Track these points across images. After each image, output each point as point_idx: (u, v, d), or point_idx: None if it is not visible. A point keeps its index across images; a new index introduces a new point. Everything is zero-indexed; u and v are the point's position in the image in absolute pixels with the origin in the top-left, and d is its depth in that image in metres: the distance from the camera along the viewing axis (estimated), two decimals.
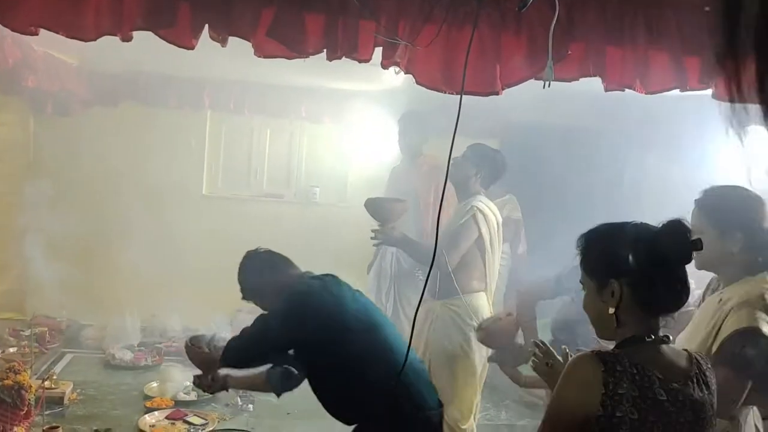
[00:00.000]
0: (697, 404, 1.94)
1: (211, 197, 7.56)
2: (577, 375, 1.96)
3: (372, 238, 4.80)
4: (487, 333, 3.90)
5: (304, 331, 3.06)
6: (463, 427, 4.51)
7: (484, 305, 4.57)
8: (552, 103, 5.16)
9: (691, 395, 1.93)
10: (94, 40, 2.68)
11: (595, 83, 3.12)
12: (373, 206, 4.81)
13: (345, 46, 2.73)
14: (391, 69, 5.41)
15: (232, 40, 2.88)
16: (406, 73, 2.89)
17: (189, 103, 7.27)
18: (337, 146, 7.72)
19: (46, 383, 4.85)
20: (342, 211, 7.39)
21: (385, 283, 5.97)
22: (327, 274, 3.38)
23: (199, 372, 3.64)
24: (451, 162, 4.78)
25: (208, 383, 3.62)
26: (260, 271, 3.36)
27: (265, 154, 7.76)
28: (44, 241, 6.96)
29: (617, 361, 1.91)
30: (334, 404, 3.21)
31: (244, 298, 3.55)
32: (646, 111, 5.46)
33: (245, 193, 7.63)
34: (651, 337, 1.98)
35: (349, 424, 3.17)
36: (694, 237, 1.94)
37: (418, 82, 2.90)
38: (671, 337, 2.02)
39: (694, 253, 1.97)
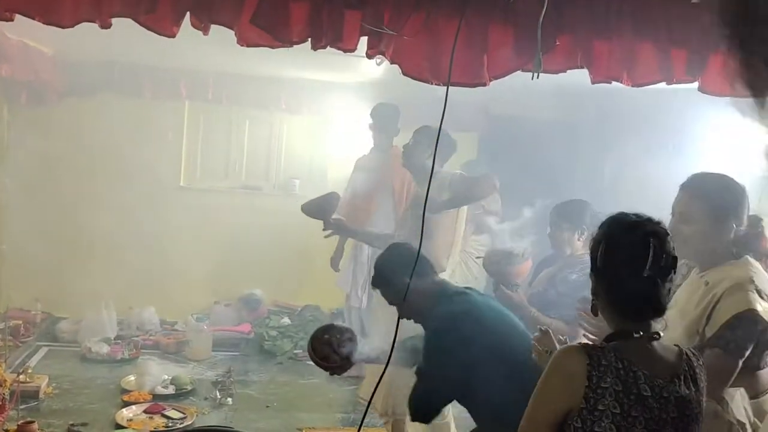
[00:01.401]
0: (682, 401, 1.94)
1: (189, 189, 7.48)
2: (561, 366, 1.97)
3: (323, 229, 4.95)
4: (495, 269, 3.93)
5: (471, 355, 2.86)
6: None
7: None
8: (532, 97, 5.17)
9: (677, 392, 1.93)
10: (72, 26, 2.61)
11: (578, 77, 3.11)
12: (309, 208, 4.95)
13: (330, 35, 2.68)
14: (371, 60, 5.43)
15: (213, 29, 2.82)
16: (391, 63, 2.84)
17: (166, 94, 7.19)
18: (316, 138, 7.67)
19: (21, 377, 4.78)
20: None
21: (362, 277, 5.97)
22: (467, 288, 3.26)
23: None
24: (403, 150, 4.84)
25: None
26: (401, 265, 3.10)
27: (243, 146, 7.68)
28: (18, 233, 6.86)
29: (603, 355, 1.91)
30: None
31: (373, 285, 3.41)
32: (631, 104, 5.49)
33: (223, 185, 7.55)
34: (639, 333, 1.97)
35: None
36: (680, 223, 1.93)
37: (404, 73, 2.86)
38: (662, 334, 2.02)
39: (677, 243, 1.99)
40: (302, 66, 6.44)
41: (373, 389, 4.29)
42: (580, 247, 3.84)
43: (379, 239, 5.29)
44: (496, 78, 2.83)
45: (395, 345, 2.84)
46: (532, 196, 4.15)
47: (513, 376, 2.71)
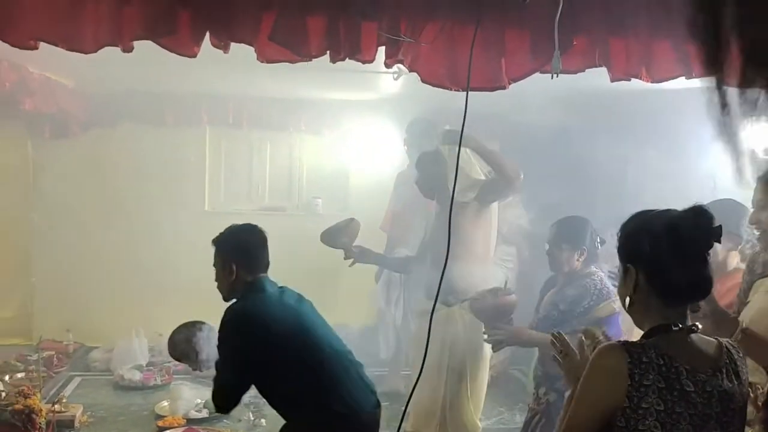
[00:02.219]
0: (725, 395, 1.89)
1: (214, 213, 7.52)
2: (602, 365, 1.92)
3: (344, 258, 4.90)
4: (482, 306, 3.94)
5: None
6: (478, 421, 4.54)
7: None
8: (552, 103, 5.16)
9: (719, 386, 1.89)
10: (95, 51, 2.65)
11: (594, 80, 3.11)
12: (328, 237, 4.91)
13: (348, 47, 2.70)
14: (389, 76, 5.45)
15: (233, 51, 2.85)
16: (410, 71, 2.85)
17: (187, 120, 7.26)
18: (337, 156, 7.69)
19: (56, 407, 4.81)
20: None
21: (395, 292, 5.96)
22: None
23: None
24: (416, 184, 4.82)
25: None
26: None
27: (265, 168, 7.73)
28: (48, 266, 6.94)
29: (643, 351, 1.87)
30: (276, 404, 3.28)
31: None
32: (645, 105, 5.45)
33: (247, 208, 7.58)
34: (678, 326, 1.93)
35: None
36: (758, 212, 1.87)
37: (423, 80, 2.87)
38: (699, 326, 1.97)
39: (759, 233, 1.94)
40: (320, 86, 6.49)
41: (419, 420, 4.37)
42: (578, 267, 3.77)
43: (401, 264, 5.29)
44: (515, 81, 2.84)
45: (426, 357, 2.91)
46: (557, 206, 4.13)
47: (304, 371, 3.05)
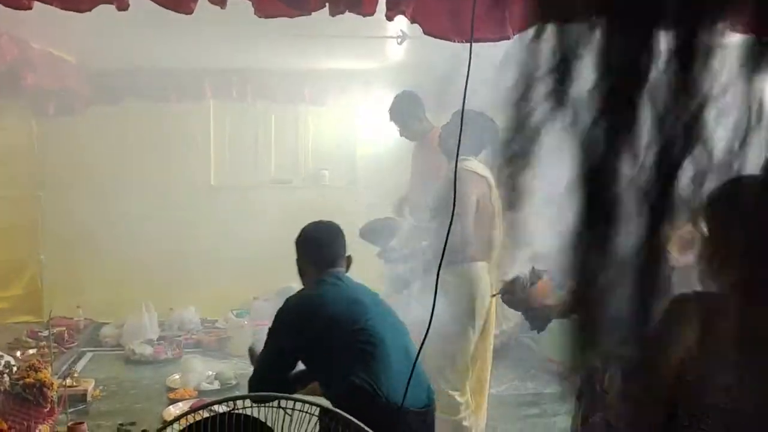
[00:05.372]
0: None
1: (220, 187, 7.50)
2: (675, 313, 1.79)
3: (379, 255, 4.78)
4: (517, 297, 3.80)
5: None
6: (460, 398, 4.34)
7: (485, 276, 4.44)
8: None
9: None
10: (89, 10, 2.60)
11: None
12: (366, 233, 4.86)
13: None
14: (393, 43, 5.36)
15: (232, 13, 2.79)
16: (411, 23, 2.78)
17: (191, 95, 7.20)
18: (343, 127, 7.66)
19: (68, 381, 4.81)
20: (352, 193, 7.31)
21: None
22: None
23: None
24: (441, 132, 4.66)
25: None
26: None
27: (271, 141, 7.68)
28: (56, 243, 6.94)
29: (717, 300, 1.75)
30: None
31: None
32: None
33: (254, 181, 7.55)
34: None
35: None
36: None
37: (425, 32, 2.80)
38: None
39: None
40: (324, 56, 6.42)
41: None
42: None
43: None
44: (520, 32, 2.76)
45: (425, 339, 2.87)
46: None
47: (353, 356, 3.01)
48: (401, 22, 3.31)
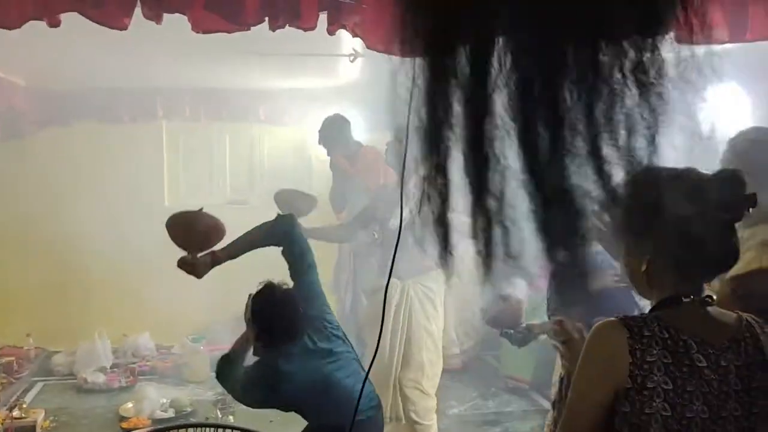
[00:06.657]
0: (746, 371, 1.65)
1: (174, 208, 7.34)
2: (599, 345, 1.69)
3: None
4: (494, 316, 3.84)
5: None
6: (430, 392, 4.58)
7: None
8: None
9: (737, 360, 1.65)
10: (19, 26, 2.50)
11: None
12: (282, 199, 4.89)
13: (287, 13, 2.54)
14: (347, 61, 5.31)
15: (170, 24, 2.69)
16: (353, 37, 2.71)
17: (142, 115, 7.10)
18: (299, 146, 7.58)
19: (15, 413, 4.66)
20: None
21: (344, 276, 5.87)
22: None
23: None
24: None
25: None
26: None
27: (225, 161, 7.60)
28: (4, 269, 6.76)
29: (644, 325, 1.64)
30: None
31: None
32: None
33: (209, 202, 7.41)
34: (690, 298, 1.69)
35: None
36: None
37: (368, 46, 2.71)
38: (715, 297, 1.73)
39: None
40: (277, 75, 6.37)
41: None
42: None
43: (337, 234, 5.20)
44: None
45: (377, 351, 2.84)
46: None
47: None
48: (355, 40, 3.25)
